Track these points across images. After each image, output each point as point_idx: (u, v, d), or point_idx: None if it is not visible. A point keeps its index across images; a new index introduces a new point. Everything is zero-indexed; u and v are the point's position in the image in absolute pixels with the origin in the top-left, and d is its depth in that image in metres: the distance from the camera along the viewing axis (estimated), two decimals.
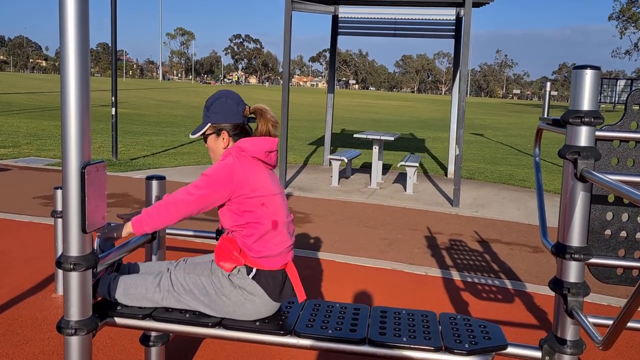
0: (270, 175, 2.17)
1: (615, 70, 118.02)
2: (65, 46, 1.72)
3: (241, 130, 2.22)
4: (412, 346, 1.96)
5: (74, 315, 1.84)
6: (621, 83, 43.49)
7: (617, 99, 41.34)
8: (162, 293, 2.12)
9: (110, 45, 9.68)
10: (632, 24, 45.14)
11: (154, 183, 2.42)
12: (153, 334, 2.51)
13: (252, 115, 2.25)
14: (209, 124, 2.19)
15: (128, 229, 2.07)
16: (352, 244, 5.33)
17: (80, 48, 1.73)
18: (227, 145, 2.20)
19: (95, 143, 11.68)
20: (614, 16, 46.05)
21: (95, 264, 1.85)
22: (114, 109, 9.70)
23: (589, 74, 1.80)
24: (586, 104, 1.81)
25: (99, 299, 2.16)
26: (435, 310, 2.31)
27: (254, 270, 2.11)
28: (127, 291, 2.13)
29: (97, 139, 12.43)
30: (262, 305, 2.09)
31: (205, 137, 2.22)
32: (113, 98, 9.66)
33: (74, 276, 1.81)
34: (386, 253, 5.10)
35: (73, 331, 1.83)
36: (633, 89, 1.91)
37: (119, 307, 2.12)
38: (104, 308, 2.09)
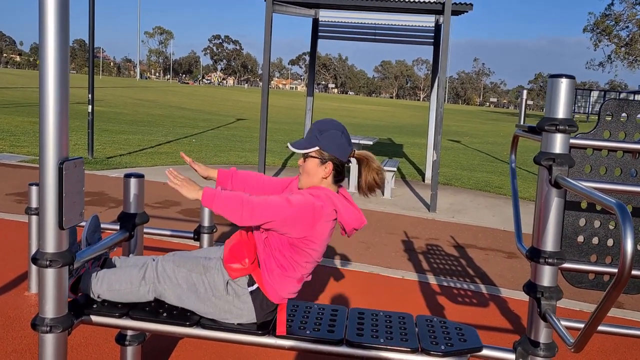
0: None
1: (589, 82, 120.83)
2: (44, 38, 1.70)
3: (342, 169, 2.16)
4: (389, 347, 1.98)
5: (49, 312, 1.81)
6: (594, 94, 44.63)
7: (590, 109, 42.36)
8: (147, 286, 2.09)
9: (87, 42, 9.54)
10: (606, 37, 46.28)
11: (132, 181, 2.40)
12: (129, 333, 2.49)
13: (355, 158, 2.19)
14: (317, 148, 2.10)
15: (197, 194, 1.97)
16: (329, 247, 5.34)
17: (60, 41, 1.71)
18: (327, 177, 2.12)
19: (70, 141, 11.42)
20: (589, 28, 47.13)
21: (71, 261, 1.82)
22: (90, 106, 9.55)
23: (564, 83, 1.86)
24: (561, 112, 1.86)
25: (80, 294, 2.13)
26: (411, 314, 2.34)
27: (255, 286, 2.07)
28: (111, 287, 2.10)
29: (73, 136, 12.21)
30: (245, 317, 2.08)
31: (306, 156, 2.12)
32: (90, 95, 9.51)
33: (50, 273, 1.78)
34: (363, 256, 5.13)
35: (48, 329, 1.80)
36: (605, 100, 1.97)
37: (95, 305, 2.10)
38: (79, 306, 2.07)
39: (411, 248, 5.55)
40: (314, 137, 2.12)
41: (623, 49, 45.47)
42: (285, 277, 2.07)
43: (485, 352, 2.02)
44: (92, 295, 2.13)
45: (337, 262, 4.85)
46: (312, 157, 2.11)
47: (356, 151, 2.19)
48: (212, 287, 2.07)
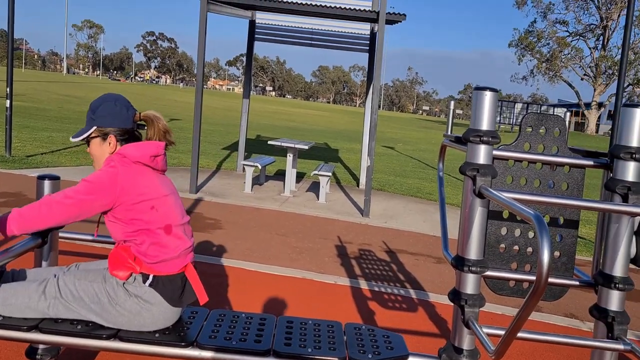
0: (159, 177, 2.09)
1: (514, 94, 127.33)
2: None
3: (130, 136, 2.12)
4: (316, 357, 1.95)
5: None
6: (518, 106, 47.18)
7: (514, 120, 44.67)
8: (47, 301, 1.96)
9: (7, 31, 8.94)
10: (529, 52, 48.98)
11: (47, 183, 2.25)
12: (41, 346, 2.32)
13: (143, 122, 2.17)
14: (95, 127, 2.08)
15: None
16: (262, 252, 5.28)
17: None
18: (114, 151, 2.09)
19: None
20: (514, 44, 49.72)
21: None
22: (8, 100, 8.96)
23: (488, 96, 1.91)
24: (485, 124, 1.92)
25: None
26: (342, 320, 2.33)
27: (151, 277, 2.02)
28: (6, 301, 1.94)
29: None
30: (161, 313, 2.00)
31: (88, 141, 2.10)
32: (8, 89, 8.93)
33: None
34: (297, 261, 5.10)
35: None
36: (528, 112, 2.07)
37: (1, 317, 1.93)
38: None
39: (344, 253, 5.58)
40: (89, 119, 2.12)
41: (544, 64, 48.32)
42: (157, 242, 2.02)
43: (411, 359, 2.04)
44: None
45: (269, 268, 4.80)
46: (93, 138, 2.11)
47: (142, 113, 2.20)
48: (113, 295, 1.99)
